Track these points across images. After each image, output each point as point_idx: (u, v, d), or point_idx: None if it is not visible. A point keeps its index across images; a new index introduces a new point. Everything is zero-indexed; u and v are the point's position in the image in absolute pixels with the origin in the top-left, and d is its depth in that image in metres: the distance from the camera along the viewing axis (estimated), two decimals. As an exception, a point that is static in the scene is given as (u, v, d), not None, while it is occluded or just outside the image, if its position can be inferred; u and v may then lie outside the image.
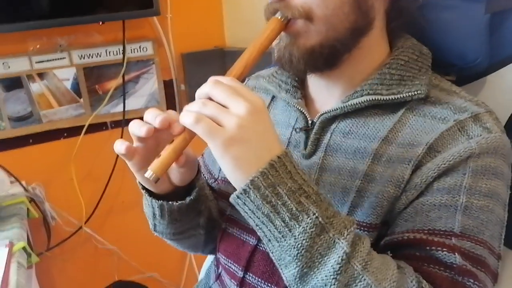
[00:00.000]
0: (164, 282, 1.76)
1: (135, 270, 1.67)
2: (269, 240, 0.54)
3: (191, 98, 0.56)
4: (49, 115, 1.40)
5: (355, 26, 0.62)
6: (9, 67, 1.32)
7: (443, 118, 0.62)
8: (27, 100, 1.37)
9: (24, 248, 1.12)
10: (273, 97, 0.80)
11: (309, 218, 0.52)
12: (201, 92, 0.55)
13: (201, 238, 0.80)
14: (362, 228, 0.62)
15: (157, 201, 0.67)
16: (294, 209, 0.52)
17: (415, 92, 0.63)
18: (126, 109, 1.46)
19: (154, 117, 0.56)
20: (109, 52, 1.39)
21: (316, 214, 0.52)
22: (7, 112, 1.36)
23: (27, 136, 1.40)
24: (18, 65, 1.33)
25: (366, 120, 0.66)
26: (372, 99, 0.64)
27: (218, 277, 0.81)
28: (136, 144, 0.60)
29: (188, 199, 0.68)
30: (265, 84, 0.79)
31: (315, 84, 0.73)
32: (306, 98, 0.74)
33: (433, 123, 0.62)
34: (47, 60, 1.34)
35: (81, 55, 1.37)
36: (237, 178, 0.53)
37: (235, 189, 0.54)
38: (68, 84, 1.39)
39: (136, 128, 0.57)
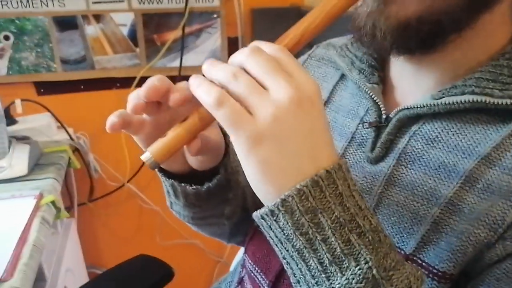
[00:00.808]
0: (206, 251, 1.66)
1: (177, 234, 1.58)
2: (298, 281, 0.39)
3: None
4: (102, 61, 1.30)
5: None
6: (64, 5, 1.22)
7: None
8: (81, 43, 1.27)
9: (53, 202, 1.04)
10: (343, 75, 0.61)
11: (358, 267, 0.36)
12: (234, 60, 0.39)
13: (226, 229, 0.66)
14: (431, 276, 0.44)
15: (167, 179, 0.52)
16: (339, 249, 0.36)
17: None
18: (183, 65, 1.32)
19: (147, 86, 0.42)
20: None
21: (370, 263, 0.35)
22: (60, 53, 1.27)
23: (78, 82, 1.31)
24: (73, 4, 1.22)
25: (463, 127, 0.47)
26: (478, 101, 0.44)
27: (240, 282, 0.66)
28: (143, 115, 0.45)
29: (206, 185, 0.53)
30: (335, 57, 0.60)
31: (400, 67, 0.54)
32: (385, 83, 0.56)
33: None
34: (104, 1, 1.23)
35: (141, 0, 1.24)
36: (265, 191, 0.38)
37: None
38: (125, 30, 1.27)
39: (129, 99, 0.42)
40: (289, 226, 0.37)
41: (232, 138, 0.37)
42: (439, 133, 0.48)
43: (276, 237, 0.38)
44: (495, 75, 0.45)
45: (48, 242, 1.23)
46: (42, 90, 1.31)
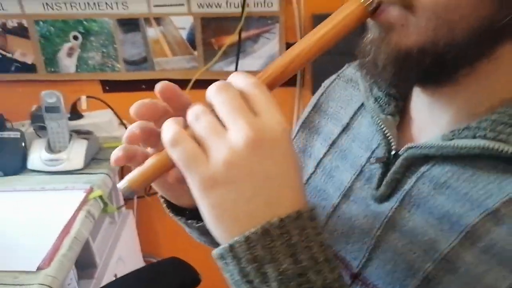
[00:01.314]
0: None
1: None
2: None
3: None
4: (162, 63, 1.33)
5: (492, 26, 0.37)
6: (127, 8, 1.26)
7: None
8: (143, 45, 1.31)
9: (100, 197, 1.08)
10: None
11: None
12: (206, 95, 0.37)
13: None
14: None
15: (175, 216, 0.52)
16: None
17: None
18: (240, 69, 1.31)
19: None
20: (230, 4, 1.24)
21: None
22: (123, 54, 1.32)
23: (139, 81, 1.35)
24: (136, 7, 1.26)
25: (476, 174, 0.40)
26: (489, 147, 0.38)
27: None
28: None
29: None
30: (359, 81, 0.56)
31: (418, 98, 0.49)
32: (404, 115, 0.51)
33: None
34: (165, 5, 1.25)
35: (200, 4, 1.24)
36: (218, 234, 0.36)
37: None
38: (184, 34, 1.29)
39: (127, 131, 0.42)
40: (236, 272, 0.35)
41: (188, 180, 0.35)
42: (449, 177, 0.42)
43: (228, 278, 0.36)
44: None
45: (104, 231, 1.30)
46: (107, 88, 1.38)
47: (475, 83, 0.41)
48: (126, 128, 1.33)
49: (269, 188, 0.35)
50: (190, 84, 1.30)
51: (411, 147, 0.44)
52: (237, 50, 1.27)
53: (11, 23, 1.31)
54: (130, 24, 1.29)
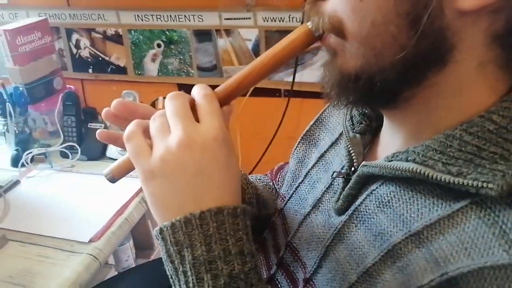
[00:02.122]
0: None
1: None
2: None
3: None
4: (229, 71, 1.43)
5: (415, 56, 0.38)
6: (202, 20, 1.39)
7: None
8: (214, 53, 1.43)
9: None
10: None
11: None
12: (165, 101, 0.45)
13: None
14: None
15: None
16: (191, 284, 0.40)
17: (483, 183, 0.35)
18: (299, 80, 1.36)
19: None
20: (292, 18, 1.30)
21: None
22: (197, 61, 1.45)
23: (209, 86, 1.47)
24: (209, 20, 1.38)
25: (414, 197, 0.42)
26: (417, 171, 0.39)
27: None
28: None
29: None
30: None
31: (384, 119, 0.51)
32: (377, 134, 0.53)
33: (495, 242, 0.34)
34: (234, 18, 1.35)
35: (265, 18, 1.32)
36: (156, 218, 0.43)
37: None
38: (249, 45, 1.38)
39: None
40: (164, 251, 0.41)
41: (136, 171, 0.43)
42: (391, 198, 0.44)
43: (162, 256, 0.43)
44: (444, 146, 0.39)
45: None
46: (182, 91, 1.52)
47: (418, 109, 0.43)
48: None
49: (196, 184, 0.41)
50: (250, 91, 1.38)
51: (365, 165, 0.47)
52: (295, 62, 1.33)
53: (110, 31, 1.52)
54: (203, 35, 1.41)
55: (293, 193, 0.62)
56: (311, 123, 0.66)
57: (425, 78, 0.40)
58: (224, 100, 0.47)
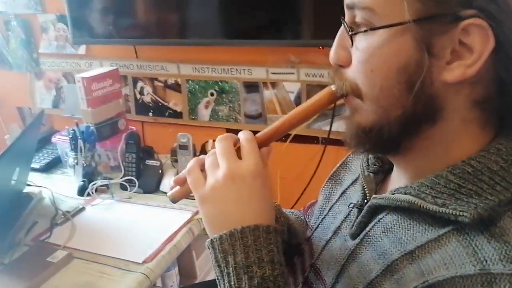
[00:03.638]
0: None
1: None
2: None
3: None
4: (273, 118, 1.56)
5: (412, 114, 0.48)
6: (251, 74, 1.54)
7: (480, 260, 0.42)
8: (260, 103, 1.57)
9: (200, 220, 1.33)
10: None
11: None
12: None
13: None
14: None
15: None
16: (232, 283, 0.50)
17: (460, 212, 0.44)
18: (336, 129, 1.47)
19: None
20: (331, 74, 1.43)
21: None
22: (245, 109, 1.60)
23: (255, 132, 1.61)
24: (257, 73, 1.53)
25: (410, 224, 0.51)
26: (412, 202, 0.49)
27: None
28: None
29: None
30: None
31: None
32: (390, 173, 0.62)
33: (467, 259, 0.43)
34: (280, 73, 1.50)
35: (307, 73, 1.45)
36: (208, 232, 0.55)
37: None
38: (292, 96, 1.51)
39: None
40: (213, 257, 0.52)
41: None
42: (393, 224, 0.52)
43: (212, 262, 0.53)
44: (434, 183, 0.48)
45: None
46: (229, 133, 1.67)
47: (417, 157, 0.52)
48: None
49: (238, 207, 0.52)
50: (290, 138, 1.51)
51: (374, 198, 0.56)
52: (332, 113, 1.44)
53: (170, 81, 1.70)
54: (252, 86, 1.56)
55: (319, 224, 0.71)
56: (338, 165, 0.76)
57: (420, 131, 0.49)
58: (263, 143, 0.58)
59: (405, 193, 0.50)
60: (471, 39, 0.44)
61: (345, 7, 0.51)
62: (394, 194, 0.52)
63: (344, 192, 0.70)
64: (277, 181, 1.58)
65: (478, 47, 0.43)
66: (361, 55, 0.50)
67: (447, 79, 0.46)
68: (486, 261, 0.41)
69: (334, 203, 0.70)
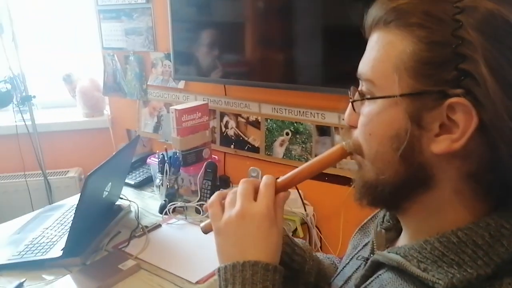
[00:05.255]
0: None
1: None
2: None
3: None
4: (342, 163, 1.57)
5: (404, 178, 0.51)
6: (324, 118, 1.58)
7: None
8: (330, 146, 1.59)
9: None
10: None
11: None
12: None
13: None
14: None
15: None
16: None
17: (436, 279, 0.46)
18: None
19: None
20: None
21: None
22: (316, 151, 1.63)
23: (324, 174, 1.62)
24: (330, 118, 1.57)
25: (401, 283, 0.52)
26: (399, 262, 0.51)
27: None
28: None
29: None
30: None
31: None
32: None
33: None
34: (351, 120, 1.51)
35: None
36: (218, 261, 0.61)
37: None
38: (361, 143, 1.52)
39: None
40: (218, 284, 0.58)
41: None
42: (388, 282, 0.54)
43: None
44: (421, 247, 0.49)
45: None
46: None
47: (414, 219, 0.54)
48: (304, 208, 1.61)
49: (243, 243, 0.58)
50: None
51: (376, 254, 0.57)
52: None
53: (252, 118, 1.81)
54: (324, 130, 1.60)
55: (340, 271, 0.73)
56: (368, 218, 0.77)
57: (414, 195, 0.51)
58: (282, 188, 0.63)
59: (396, 253, 0.52)
60: (456, 116, 0.45)
61: None
62: (389, 252, 0.53)
63: (366, 244, 0.71)
64: (340, 225, 1.58)
65: (462, 124, 0.45)
66: (363, 119, 0.54)
67: (434, 151, 0.47)
68: None
69: (355, 254, 0.72)
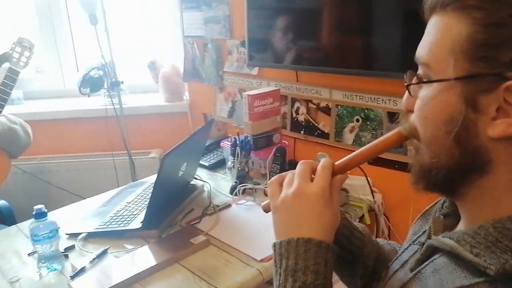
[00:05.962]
0: None
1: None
2: None
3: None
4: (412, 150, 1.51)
5: (459, 162, 0.50)
6: (396, 105, 1.53)
7: None
8: (402, 134, 1.54)
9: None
10: None
11: None
12: None
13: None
14: None
15: None
16: (280, 282, 0.58)
17: (488, 264, 0.45)
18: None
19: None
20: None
21: None
22: (386, 138, 1.59)
23: (394, 161, 1.58)
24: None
25: (455, 268, 0.52)
26: (452, 247, 0.51)
27: None
28: None
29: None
30: None
31: None
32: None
33: None
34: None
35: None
36: (275, 237, 0.63)
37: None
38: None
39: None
40: (274, 259, 0.61)
41: None
42: (442, 267, 0.53)
43: None
44: (475, 232, 0.49)
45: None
46: (371, 161, 1.67)
47: (471, 205, 0.54)
48: (372, 195, 1.59)
49: (299, 220, 0.60)
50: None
51: (432, 239, 0.57)
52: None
53: (322, 104, 1.80)
54: (395, 116, 1.55)
55: (399, 256, 0.73)
56: (430, 205, 0.76)
57: (470, 180, 0.50)
58: (339, 171, 0.64)
59: (450, 238, 0.51)
60: None
61: None
62: (444, 237, 0.53)
63: (425, 230, 0.70)
64: (410, 214, 1.53)
65: None
66: (419, 103, 0.53)
67: (490, 135, 0.46)
68: None
69: (414, 239, 0.71)
